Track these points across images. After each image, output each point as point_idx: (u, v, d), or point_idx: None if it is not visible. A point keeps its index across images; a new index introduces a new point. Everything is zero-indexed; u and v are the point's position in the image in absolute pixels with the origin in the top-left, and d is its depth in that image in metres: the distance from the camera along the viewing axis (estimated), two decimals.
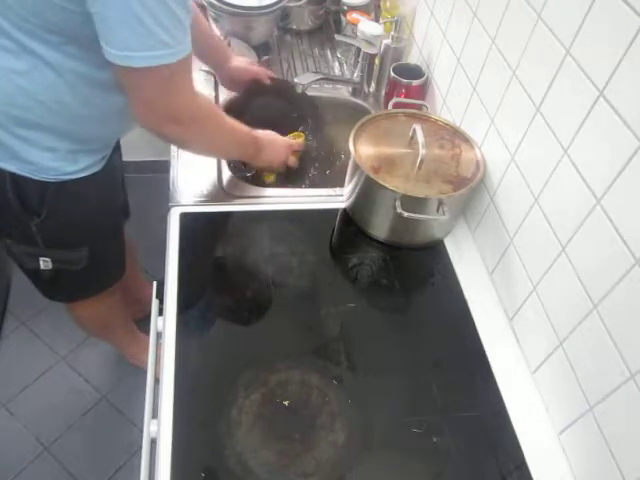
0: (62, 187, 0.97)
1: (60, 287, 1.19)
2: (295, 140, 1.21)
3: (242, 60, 1.27)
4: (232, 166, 1.19)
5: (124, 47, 0.75)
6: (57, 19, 0.77)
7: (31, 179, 0.94)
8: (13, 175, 0.93)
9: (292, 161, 1.19)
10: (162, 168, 1.44)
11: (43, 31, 0.79)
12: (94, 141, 1.00)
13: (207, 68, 1.35)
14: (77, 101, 0.89)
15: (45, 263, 1.08)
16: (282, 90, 1.29)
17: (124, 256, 1.28)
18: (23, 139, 0.90)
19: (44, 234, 1.03)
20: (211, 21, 1.47)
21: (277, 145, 1.14)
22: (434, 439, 0.81)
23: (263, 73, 1.28)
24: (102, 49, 0.77)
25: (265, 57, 1.47)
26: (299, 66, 1.50)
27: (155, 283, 1.08)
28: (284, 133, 1.21)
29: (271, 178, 1.23)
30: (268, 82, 1.27)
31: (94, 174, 1.01)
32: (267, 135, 1.12)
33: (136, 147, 1.97)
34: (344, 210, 1.11)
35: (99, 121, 0.96)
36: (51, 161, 0.94)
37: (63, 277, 1.13)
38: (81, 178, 0.99)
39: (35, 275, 1.12)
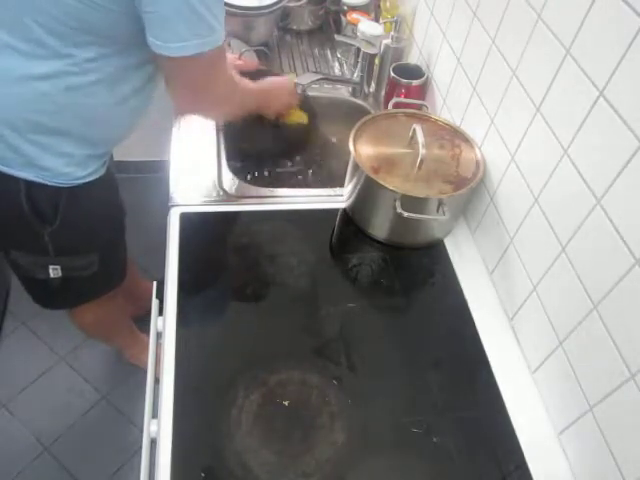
0: (74, 192, 0.98)
1: (66, 294, 1.19)
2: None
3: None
4: (232, 165, 1.19)
5: (180, 38, 0.78)
6: (95, 20, 0.78)
7: (46, 185, 0.94)
8: (28, 183, 0.93)
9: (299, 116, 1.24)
10: (162, 168, 1.44)
11: (77, 33, 0.79)
12: (106, 144, 1.01)
13: None
14: (99, 104, 0.90)
15: (55, 271, 1.08)
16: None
17: (126, 257, 1.28)
18: (39, 145, 0.90)
19: (56, 242, 1.03)
20: None
21: (280, 89, 1.18)
22: (434, 439, 0.81)
23: (247, 66, 1.27)
24: (150, 44, 0.79)
25: (260, 47, 1.46)
26: (299, 66, 1.50)
27: (155, 283, 1.08)
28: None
29: (299, 117, 1.24)
30: (251, 71, 1.27)
31: (99, 178, 1.02)
32: (271, 82, 1.16)
33: (136, 147, 1.97)
34: (344, 210, 1.11)
35: (116, 125, 0.97)
36: (65, 167, 0.94)
37: (71, 284, 1.13)
38: (89, 182, 1.00)
39: (42, 285, 1.11)
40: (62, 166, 0.94)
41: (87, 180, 0.99)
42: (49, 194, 0.96)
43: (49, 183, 0.94)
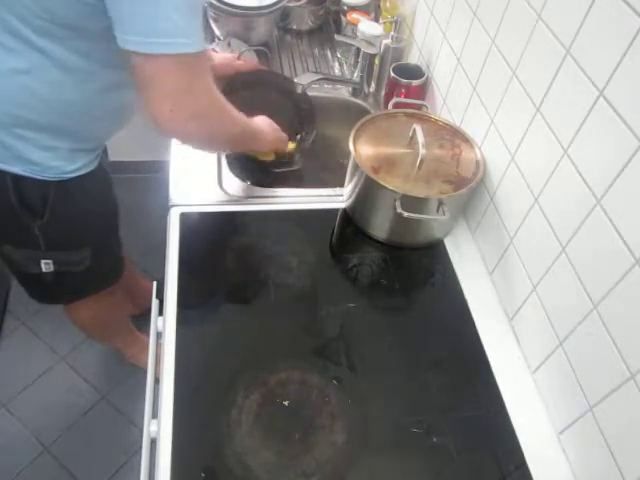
0: (63, 186, 0.98)
1: (60, 289, 1.19)
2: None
3: (224, 56, 1.27)
4: (232, 165, 1.19)
5: (143, 32, 0.73)
6: (69, 12, 0.77)
7: (34, 179, 0.94)
8: (15, 177, 0.93)
9: (289, 147, 1.19)
10: (161, 168, 1.44)
11: (53, 26, 0.79)
12: (93, 140, 1.01)
13: None
14: (81, 99, 0.89)
15: (47, 266, 1.08)
16: (269, 82, 1.29)
17: (122, 254, 1.28)
18: (25, 139, 0.90)
19: (47, 236, 1.03)
20: (211, 21, 1.47)
21: (273, 133, 1.12)
22: (434, 439, 0.81)
23: (246, 66, 1.27)
24: (118, 41, 0.75)
25: (260, 47, 1.46)
26: (299, 66, 1.50)
27: (155, 283, 1.08)
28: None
29: (269, 157, 1.20)
30: (250, 71, 1.26)
31: (90, 172, 1.02)
32: (264, 123, 1.10)
33: (136, 147, 1.98)
34: (344, 210, 1.11)
35: (101, 119, 0.96)
36: (52, 160, 0.94)
37: (64, 279, 1.13)
38: (79, 177, 0.99)
39: (35, 279, 1.11)
40: (49, 160, 0.93)
41: (77, 174, 0.99)
42: (37, 188, 0.96)
43: (37, 177, 0.94)
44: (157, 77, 0.78)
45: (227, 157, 1.19)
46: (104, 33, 0.81)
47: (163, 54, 0.75)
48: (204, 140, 0.95)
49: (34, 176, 0.94)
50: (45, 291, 1.20)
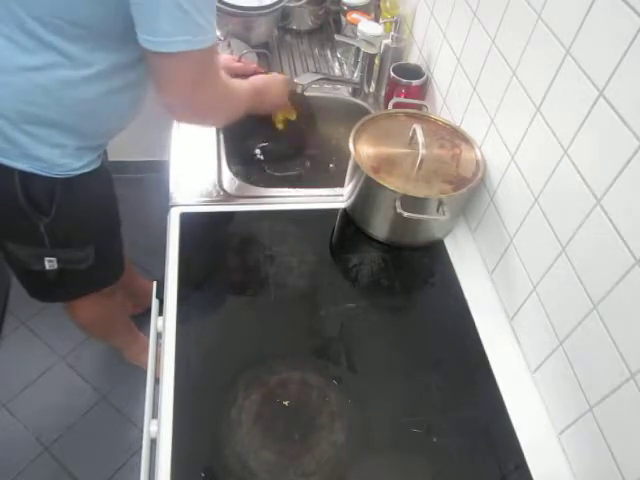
0: (70, 183, 0.98)
1: (62, 287, 1.19)
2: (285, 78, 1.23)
3: (223, 58, 1.27)
4: (232, 165, 1.19)
5: (164, 33, 0.77)
6: (84, 13, 0.78)
7: (41, 176, 0.94)
8: (22, 173, 0.93)
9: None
10: (161, 168, 1.45)
11: (67, 25, 0.79)
12: (99, 137, 1.01)
13: None
14: (91, 97, 0.90)
15: (50, 263, 1.08)
16: None
17: (123, 253, 1.28)
18: (34, 136, 0.90)
19: (52, 234, 1.03)
20: None
21: (275, 88, 1.18)
22: (434, 439, 0.81)
23: (245, 68, 1.27)
24: (139, 39, 0.79)
25: (261, 50, 1.46)
26: (299, 66, 1.50)
27: (155, 283, 1.08)
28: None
29: (280, 125, 1.27)
30: (249, 73, 1.27)
31: (95, 170, 1.03)
32: (264, 82, 1.16)
33: (136, 147, 1.98)
34: (344, 210, 1.11)
35: (109, 118, 0.97)
36: (60, 158, 0.94)
37: (67, 277, 1.13)
38: (85, 174, 1.00)
39: (38, 277, 1.12)
40: (57, 157, 0.94)
41: (82, 171, 0.99)
42: (44, 185, 0.96)
43: (44, 174, 0.94)
44: (173, 73, 0.84)
45: (227, 157, 1.19)
46: (117, 35, 0.82)
47: (183, 52, 0.79)
48: (217, 123, 1.13)
49: (41, 173, 0.94)
50: (46, 289, 1.20)
